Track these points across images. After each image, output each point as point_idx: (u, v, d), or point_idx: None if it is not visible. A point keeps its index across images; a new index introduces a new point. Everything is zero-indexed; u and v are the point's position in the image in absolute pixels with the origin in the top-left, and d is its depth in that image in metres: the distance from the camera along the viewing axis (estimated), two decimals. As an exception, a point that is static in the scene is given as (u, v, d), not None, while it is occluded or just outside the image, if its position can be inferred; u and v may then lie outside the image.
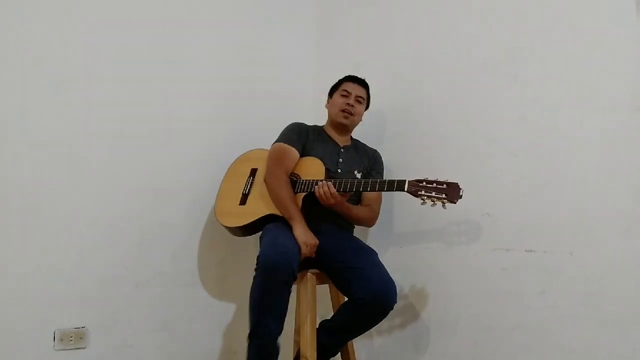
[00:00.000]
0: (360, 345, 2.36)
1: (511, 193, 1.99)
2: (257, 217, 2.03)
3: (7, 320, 1.92)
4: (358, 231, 2.17)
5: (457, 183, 1.81)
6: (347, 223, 2.13)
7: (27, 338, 1.95)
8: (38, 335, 1.97)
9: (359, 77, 2.27)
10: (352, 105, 2.18)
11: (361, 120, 2.27)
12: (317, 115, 2.54)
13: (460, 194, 1.79)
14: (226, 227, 2.13)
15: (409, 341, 2.22)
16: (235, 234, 2.14)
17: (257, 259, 1.81)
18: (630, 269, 1.70)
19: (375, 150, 2.29)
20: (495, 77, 2.08)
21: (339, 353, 2.03)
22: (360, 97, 2.22)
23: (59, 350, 1.99)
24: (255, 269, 1.80)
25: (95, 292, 2.09)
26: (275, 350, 1.83)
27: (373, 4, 2.60)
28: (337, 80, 2.28)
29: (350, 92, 2.20)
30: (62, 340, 2.00)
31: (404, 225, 2.31)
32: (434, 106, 2.28)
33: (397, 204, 2.33)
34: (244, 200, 2.13)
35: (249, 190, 2.15)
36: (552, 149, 1.90)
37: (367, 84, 2.28)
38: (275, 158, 2.09)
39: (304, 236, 1.89)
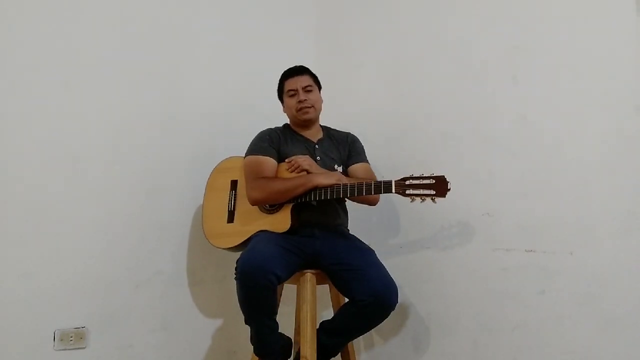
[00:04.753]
0: (360, 345, 2.36)
1: (511, 193, 1.99)
2: (247, 236, 1.99)
3: (7, 320, 1.92)
4: (358, 231, 2.16)
5: (443, 176, 1.77)
6: (341, 223, 2.11)
7: (27, 338, 1.95)
8: (38, 335, 1.97)
9: (292, 67, 2.16)
10: (305, 99, 2.09)
11: (322, 101, 2.19)
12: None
13: (449, 187, 1.76)
14: (219, 248, 2.12)
15: (409, 341, 2.22)
16: (229, 251, 2.12)
17: (235, 264, 1.80)
18: (630, 269, 1.70)
19: (349, 134, 2.23)
20: (495, 77, 2.08)
21: (339, 353, 2.03)
22: (308, 85, 2.11)
23: (59, 350, 1.99)
24: (235, 275, 1.79)
25: (95, 292, 2.09)
26: (274, 327, 1.88)
27: (373, 4, 2.60)
28: (278, 83, 2.19)
29: (296, 88, 2.10)
30: (62, 340, 2.00)
31: (404, 226, 2.31)
32: (434, 106, 2.27)
33: (396, 204, 2.33)
34: (231, 218, 2.10)
35: (234, 206, 2.12)
36: (552, 149, 1.90)
37: (304, 68, 2.16)
38: (252, 175, 2.02)
39: (326, 180, 1.91)
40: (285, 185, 1.95)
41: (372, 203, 2.11)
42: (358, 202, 2.10)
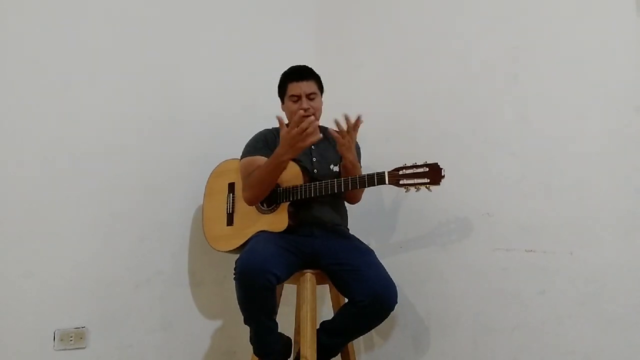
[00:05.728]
0: (360, 345, 2.36)
1: (511, 193, 1.98)
2: (247, 238, 1.99)
3: (7, 320, 1.92)
4: (357, 231, 2.16)
5: (437, 163, 1.76)
6: (340, 223, 2.11)
7: (27, 338, 1.95)
8: (38, 335, 1.97)
9: (298, 69, 2.09)
10: (308, 108, 2.02)
11: (322, 104, 2.13)
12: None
13: (443, 173, 1.74)
14: (220, 251, 2.13)
15: (409, 341, 2.22)
16: (230, 253, 2.12)
17: (234, 265, 1.80)
18: (630, 269, 1.70)
19: None
20: (495, 77, 2.08)
21: (339, 353, 2.03)
22: (312, 93, 2.05)
23: (59, 350, 1.99)
24: (234, 276, 1.79)
25: (95, 292, 2.09)
26: (273, 327, 1.88)
27: (373, 4, 2.60)
28: (280, 80, 2.14)
29: (299, 94, 2.04)
30: (62, 340, 2.00)
31: (404, 225, 2.31)
32: (434, 106, 2.27)
33: (395, 203, 2.33)
34: (230, 221, 2.11)
35: (232, 208, 2.12)
36: (552, 149, 1.90)
37: (310, 71, 2.09)
38: (246, 174, 2.02)
39: (291, 152, 1.86)
40: (261, 172, 1.94)
41: (353, 201, 2.12)
42: (342, 195, 2.09)
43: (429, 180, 1.76)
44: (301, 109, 2.04)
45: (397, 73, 2.45)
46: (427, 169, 1.76)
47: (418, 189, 1.78)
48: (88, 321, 2.07)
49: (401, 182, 1.80)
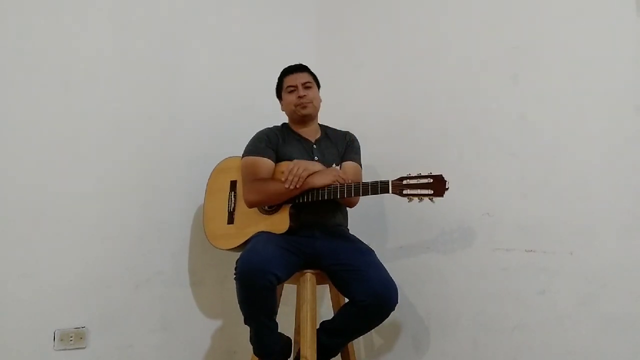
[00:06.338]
0: (360, 345, 2.36)
1: (511, 193, 1.99)
2: (247, 238, 1.98)
3: (7, 320, 1.92)
4: (358, 231, 2.16)
5: (441, 175, 1.75)
6: (341, 223, 2.11)
7: (27, 338, 1.95)
8: (38, 335, 1.97)
9: (292, 65, 2.18)
10: (305, 95, 2.10)
11: (321, 100, 2.19)
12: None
13: (447, 186, 1.74)
14: (220, 249, 2.13)
15: (409, 341, 2.23)
16: (230, 251, 2.11)
17: (235, 265, 1.79)
18: (630, 269, 1.70)
19: (347, 133, 2.21)
20: (495, 77, 2.08)
21: (339, 353, 2.03)
22: (307, 82, 2.12)
23: (59, 350, 1.99)
24: (235, 275, 1.79)
25: (95, 292, 2.09)
26: (273, 327, 1.88)
27: (373, 4, 2.60)
28: (277, 80, 2.20)
29: (295, 84, 2.11)
30: (62, 340, 2.00)
31: (404, 225, 2.31)
32: (434, 106, 2.28)
33: (395, 204, 2.32)
34: (231, 219, 2.11)
35: (234, 206, 2.12)
36: (552, 149, 1.90)
37: (303, 65, 2.18)
38: (248, 177, 2.02)
39: (322, 180, 1.90)
40: (281, 188, 1.94)
41: (351, 205, 2.11)
42: (339, 200, 2.07)
43: (432, 192, 1.75)
44: (299, 97, 2.09)
45: (397, 73, 2.45)
46: (432, 180, 1.76)
47: (421, 200, 1.77)
48: (88, 321, 2.07)
49: (404, 192, 1.79)
